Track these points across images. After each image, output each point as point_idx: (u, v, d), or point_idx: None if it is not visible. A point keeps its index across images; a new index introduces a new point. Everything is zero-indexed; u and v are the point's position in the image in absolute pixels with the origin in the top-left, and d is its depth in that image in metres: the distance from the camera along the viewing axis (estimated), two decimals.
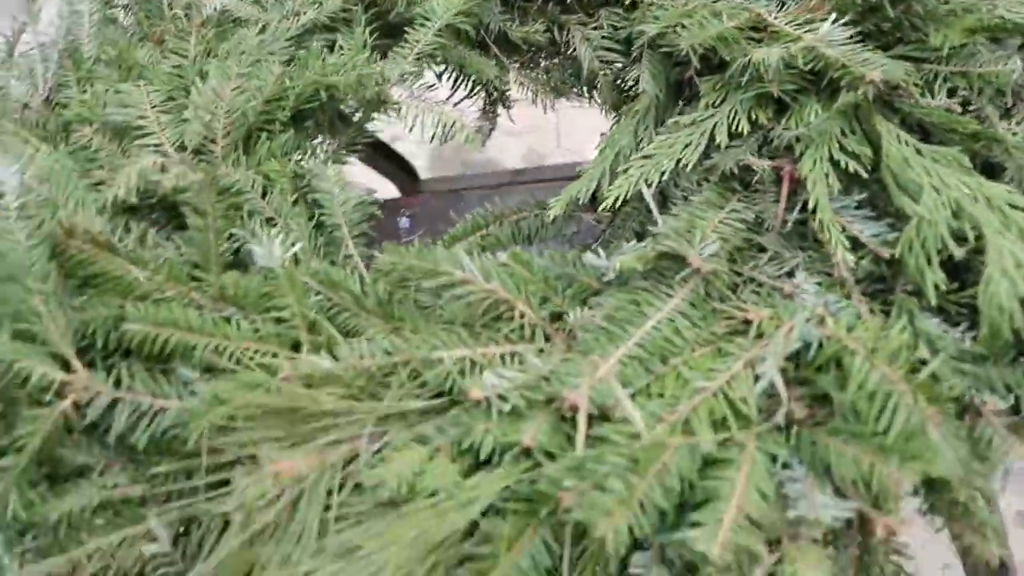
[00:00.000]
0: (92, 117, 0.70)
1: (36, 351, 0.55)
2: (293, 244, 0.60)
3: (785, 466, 0.51)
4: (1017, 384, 0.54)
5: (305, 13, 0.73)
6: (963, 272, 0.57)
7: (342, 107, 0.76)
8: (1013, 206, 0.57)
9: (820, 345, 0.53)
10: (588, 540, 0.48)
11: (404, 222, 0.87)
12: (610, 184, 0.68)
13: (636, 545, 0.49)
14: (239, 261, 0.66)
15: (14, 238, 0.57)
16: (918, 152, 0.61)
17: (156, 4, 0.78)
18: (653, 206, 0.63)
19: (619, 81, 0.76)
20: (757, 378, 0.53)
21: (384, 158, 1.12)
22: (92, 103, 0.70)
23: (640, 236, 0.69)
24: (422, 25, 0.73)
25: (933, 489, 0.52)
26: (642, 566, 0.49)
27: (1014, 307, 0.51)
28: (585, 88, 0.81)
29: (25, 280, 0.56)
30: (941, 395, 0.49)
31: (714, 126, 0.66)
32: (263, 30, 0.72)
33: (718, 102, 0.68)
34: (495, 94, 0.83)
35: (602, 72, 0.75)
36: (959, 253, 0.55)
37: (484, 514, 0.49)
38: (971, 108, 0.64)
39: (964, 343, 0.54)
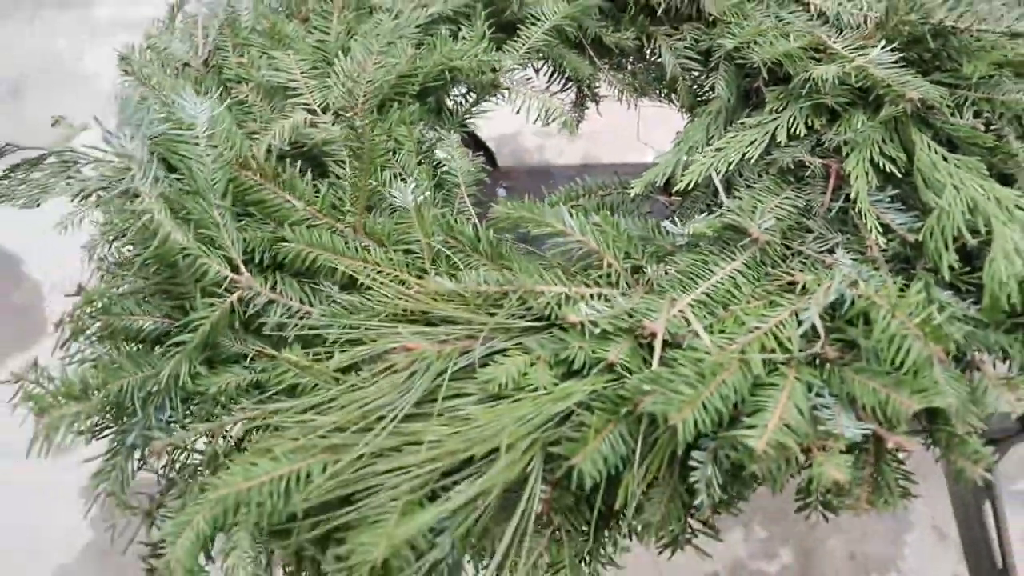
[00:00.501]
0: (248, 77, 0.86)
1: (214, 252, 0.71)
2: (423, 191, 0.76)
3: (818, 395, 0.66)
4: (1010, 347, 0.69)
5: (433, 5, 0.90)
6: (973, 259, 0.73)
7: (448, 99, 0.93)
8: (1018, 207, 0.72)
9: (852, 303, 0.69)
10: (658, 432, 0.64)
11: (501, 192, 1.02)
12: (683, 173, 0.84)
13: (694, 445, 0.64)
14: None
15: (202, 161, 0.73)
16: (944, 159, 0.76)
17: None
18: (720, 189, 0.79)
19: (695, 86, 0.93)
20: (800, 323, 0.68)
21: (472, 145, 1.28)
22: (248, 65, 0.87)
23: (711, 207, 0.85)
24: (532, 24, 0.89)
25: (935, 421, 0.67)
26: (699, 461, 0.64)
27: (1012, 284, 0.67)
28: (665, 91, 0.97)
29: (208, 196, 0.73)
30: (946, 338, 0.64)
31: (776, 128, 0.82)
32: (396, 16, 0.89)
33: (780, 109, 0.83)
34: (586, 90, 0.99)
35: (682, 77, 0.91)
36: (972, 242, 0.71)
37: (576, 409, 0.65)
38: (992, 128, 0.80)
39: (969, 311, 0.70)
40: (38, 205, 0.88)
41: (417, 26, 0.88)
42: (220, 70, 0.89)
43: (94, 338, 0.72)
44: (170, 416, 0.72)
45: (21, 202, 0.88)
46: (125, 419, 0.71)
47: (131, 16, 2.88)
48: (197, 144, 0.74)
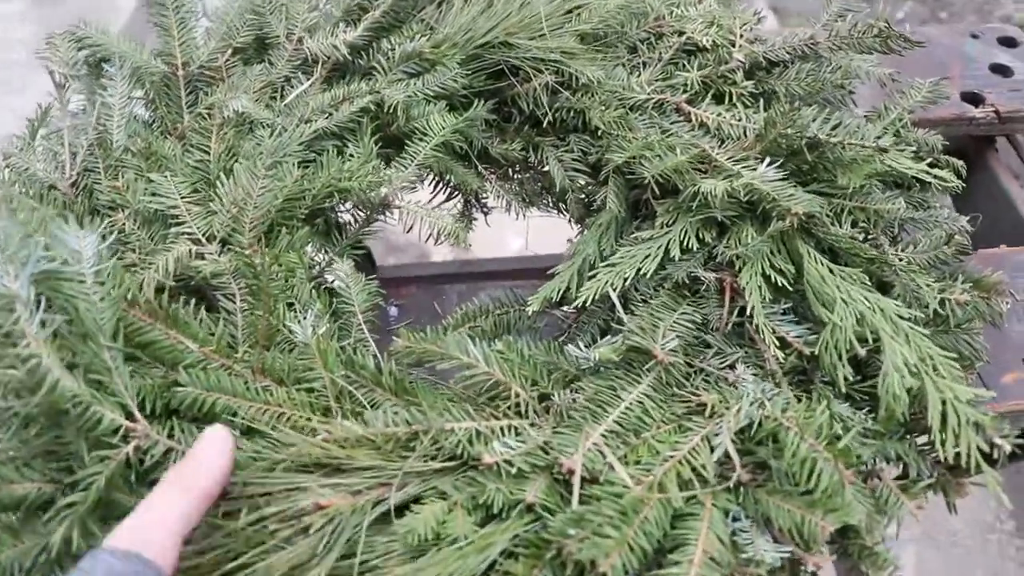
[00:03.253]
0: (124, 203, 0.82)
1: (106, 399, 0.67)
2: (321, 325, 0.74)
3: (735, 519, 0.68)
4: (905, 454, 0.73)
5: (316, 120, 0.88)
6: (864, 367, 0.77)
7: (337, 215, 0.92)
8: (901, 316, 0.77)
9: (760, 424, 0.71)
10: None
11: (393, 311, 1.00)
12: (578, 287, 0.85)
13: None
14: None
15: (90, 300, 0.68)
16: (831, 271, 0.80)
17: (176, 102, 0.91)
18: (619, 306, 0.81)
19: (584, 197, 0.95)
20: (712, 448, 0.70)
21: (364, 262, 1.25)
22: (124, 189, 0.83)
23: (603, 332, 0.86)
24: (421, 139, 0.89)
25: (847, 536, 0.70)
26: None
27: (904, 395, 0.71)
28: (553, 201, 0.99)
29: (97, 337, 0.68)
30: (855, 459, 0.67)
31: (668, 242, 0.84)
32: (279, 133, 0.87)
33: (671, 222, 0.86)
34: (473, 200, 1.00)
35: (571, 188, 0.93)
36: (862, 352, 0.74)
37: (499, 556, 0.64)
38: (869, 237, 0.85)
39: (867, 423, 0.73)
40: None
41: (300, 143, 0.86)
42: (91, 194, 0.84)
43: None
44: None
45: None
46: None
47: None
48: (83, 281, 0.69)
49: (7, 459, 0.68)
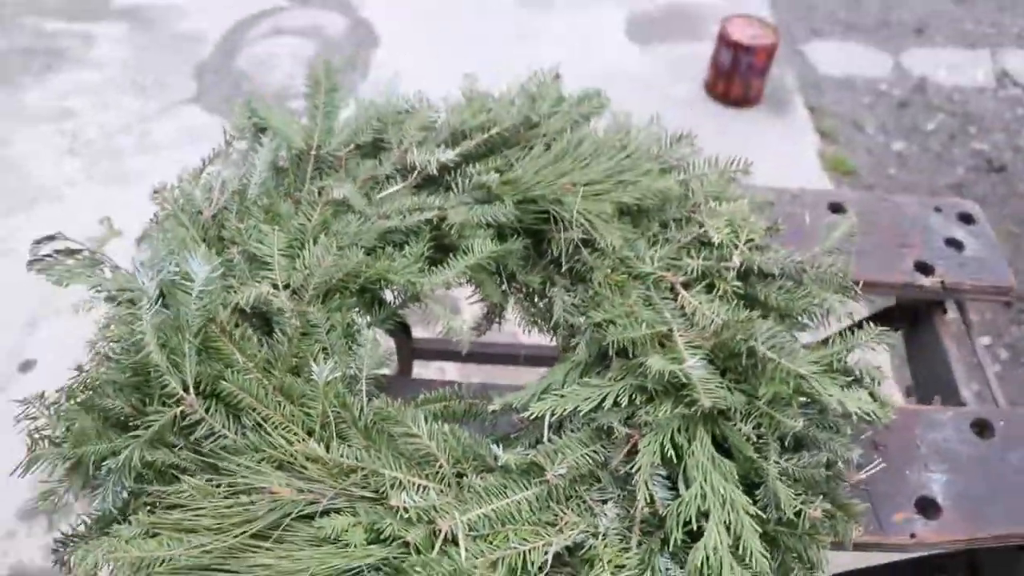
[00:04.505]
0: (240, 242, 1.24)
1: (174, 373, 1.08)
2: (334, 372, 1.13)
3: None
4: None
5: (391, 220, 1.27)
6: (699, 537, 1.06)
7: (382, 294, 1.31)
8: (747, 512, 1.06)
9: (589, 548, 1.03)
10: None
11: None
12: (532, 405, 1.19)
13: None
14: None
15: (189, 308, 1.11)
16: (712, 459, 1.10)
17: (302, 175, 1.33)
18: (546, 429, 1.14)
19: (569, 336, 1.28)
20: (545, 552, 1.03)
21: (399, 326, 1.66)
22: (243, 231, 1.25)
23: (538, 441, 1.19)
24: (463, 255, 1.26)
25: None
26: None
27: (702, 572, 1.01)
28: (548, 328, 1.33)
29: (184, 332, 1.10)
30: None
31: (607, 394, 1.16)
32: (363, 222, 1.26)
33: (619, 378, 1.18)
34: (496, 308, 1.35)
35: (562, 327, 1.27)
36: (695, 525, 1.04)
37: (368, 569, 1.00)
38: (761, 440, 1.13)
39: None
40: (65, 285, 1.27)
41: (376, 235, 1.25)
42: (222, 226, 1.27)
43: (77, 405, 1.10)
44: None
45: (54, 278, 1.28)
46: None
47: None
48: (189, 293, 1.11)
49: (109, 380, 1.11)
